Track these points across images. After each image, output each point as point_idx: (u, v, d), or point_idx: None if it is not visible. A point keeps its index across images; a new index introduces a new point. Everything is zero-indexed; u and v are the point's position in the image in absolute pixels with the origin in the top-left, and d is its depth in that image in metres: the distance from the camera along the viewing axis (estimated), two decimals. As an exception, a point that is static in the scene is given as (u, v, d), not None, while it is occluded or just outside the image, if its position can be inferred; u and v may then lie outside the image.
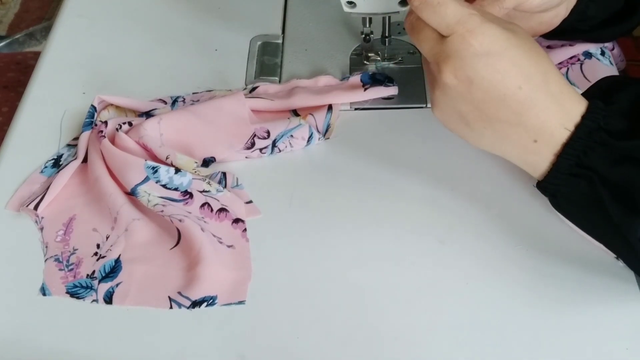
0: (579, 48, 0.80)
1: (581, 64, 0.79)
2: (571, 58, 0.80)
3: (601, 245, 0.64)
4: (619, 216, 0.58)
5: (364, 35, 0.83)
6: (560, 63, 0.80)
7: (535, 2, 0.67)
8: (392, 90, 0.80)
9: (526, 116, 0.59)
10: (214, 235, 0.68)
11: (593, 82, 0.76)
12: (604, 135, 0.58)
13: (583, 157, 0.58)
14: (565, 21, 0.74)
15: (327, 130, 0.77)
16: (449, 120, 0.62)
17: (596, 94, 0.63)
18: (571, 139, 0.59)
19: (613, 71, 0.79)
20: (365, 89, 0.79)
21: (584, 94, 0.63)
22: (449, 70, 0.59)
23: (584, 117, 0.59)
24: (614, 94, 0.61)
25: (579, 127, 0.58)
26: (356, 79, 0.81)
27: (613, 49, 0.82)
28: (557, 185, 0.60)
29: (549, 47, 0.81)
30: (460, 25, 0.58)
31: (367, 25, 0.81)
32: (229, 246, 0.68)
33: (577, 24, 0.75)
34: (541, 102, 0.59)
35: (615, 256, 0.64)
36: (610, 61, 0.80)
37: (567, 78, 0.78)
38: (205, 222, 0.69)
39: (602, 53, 0.80)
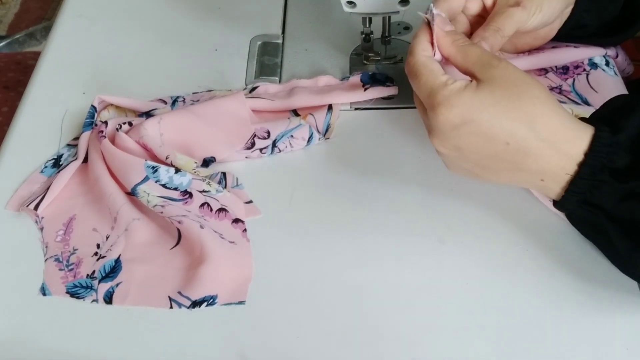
0: (583, 52, 0.80)
1: (587, 75, 0.79)
2: (577, 68, 0.80)
3: None
4: (626, 251, 0.59)
5: (364, 35, 0.83)
6: (566, 73, 0.79)
7: (532, 24, 0.68)
8: (392, 90, 0.80)
9: (524, 164, 0.59)
10: (215, 231, 0.68)
11: (600, 92, 0.76)
12: (608, 174, 0.58)
13: (588, 195, 0.59)
14: (561, 30, 0.74)
15: (327, 130, 0.77)
16: (462, 174, 0.64)
17: (605, 115, 0.62)
18: (575, 179, 0.59)
19: (618, 81, 0.79)
20: (365, 89, 0.79)
21: (594, 115, 0.63)
22: (437, 143, 0.61)
23: (586, 155, 0.58)
24: (623, 119, 0.60)
25: (582, 166, 0.58)
26: (356, 79, 0.81)
27: (617, 56, 0.82)
28: (569, 210, 0.62)
29: (553, 47, 0.81)
30: (431, 99, 0.60)
31: (367, 25, 0.81)
32: (230, 242, 0.68)
33: (574, 31, 0.75)
34: (534, 151, 0.58)
35: None
36: (614, 71, 0.80)
37: (574, 89, 0.78)
38: (205, 219, 0.69)
39: (607, 63, 0.80)
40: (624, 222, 0.58)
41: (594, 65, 0.80)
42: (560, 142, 0.58)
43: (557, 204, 0.62)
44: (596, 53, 0.81)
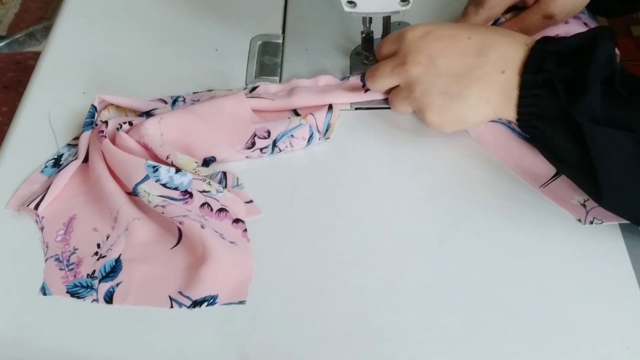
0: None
1: None
2: None
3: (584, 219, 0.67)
4: (569, 101, 0.63)
5: (364, 35, 0.83)
6: None
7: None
8: (392, 90, 0.80)
9: (487, 52, 0.68)
10: (216, 231, 0.68)
11: None
12: (554, 45, 0.67)
13: (541, 65, 0.66)
14: None
15: (327, 130, 0.77)
16: (439, 108, 0.70)
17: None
18: (529, 56, 0.67)
19: None
20: (365, 89, 0.79)
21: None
22: (413, 63, 0.71)
23: (537, 41, 0.68)
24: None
25: (533, 46, 0.68)
26: (356, 79, 0.81)
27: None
28: (528, 107, 0.66)
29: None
30: (399, 34, 0.73)
31: (367, 25, 0.81)
32: (231, 242, 0.68)
33: None
34: (495, 39, 0.69)
35: (579, 219, 0.67)
36: None
37: None
38: (205, 219, 0.69)
39: None
40: (570, 81, 0.63)
41: None
42: (514, 34, 0.70)
43: (519, 101, 0.66)
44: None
